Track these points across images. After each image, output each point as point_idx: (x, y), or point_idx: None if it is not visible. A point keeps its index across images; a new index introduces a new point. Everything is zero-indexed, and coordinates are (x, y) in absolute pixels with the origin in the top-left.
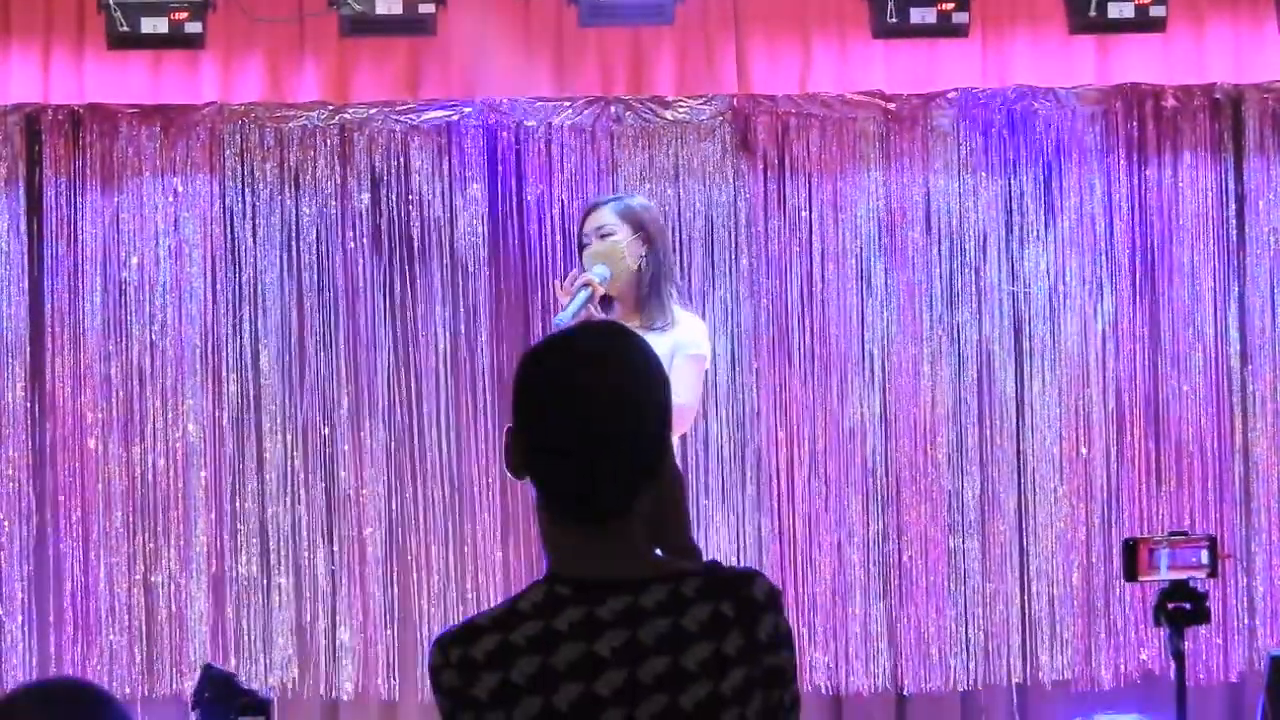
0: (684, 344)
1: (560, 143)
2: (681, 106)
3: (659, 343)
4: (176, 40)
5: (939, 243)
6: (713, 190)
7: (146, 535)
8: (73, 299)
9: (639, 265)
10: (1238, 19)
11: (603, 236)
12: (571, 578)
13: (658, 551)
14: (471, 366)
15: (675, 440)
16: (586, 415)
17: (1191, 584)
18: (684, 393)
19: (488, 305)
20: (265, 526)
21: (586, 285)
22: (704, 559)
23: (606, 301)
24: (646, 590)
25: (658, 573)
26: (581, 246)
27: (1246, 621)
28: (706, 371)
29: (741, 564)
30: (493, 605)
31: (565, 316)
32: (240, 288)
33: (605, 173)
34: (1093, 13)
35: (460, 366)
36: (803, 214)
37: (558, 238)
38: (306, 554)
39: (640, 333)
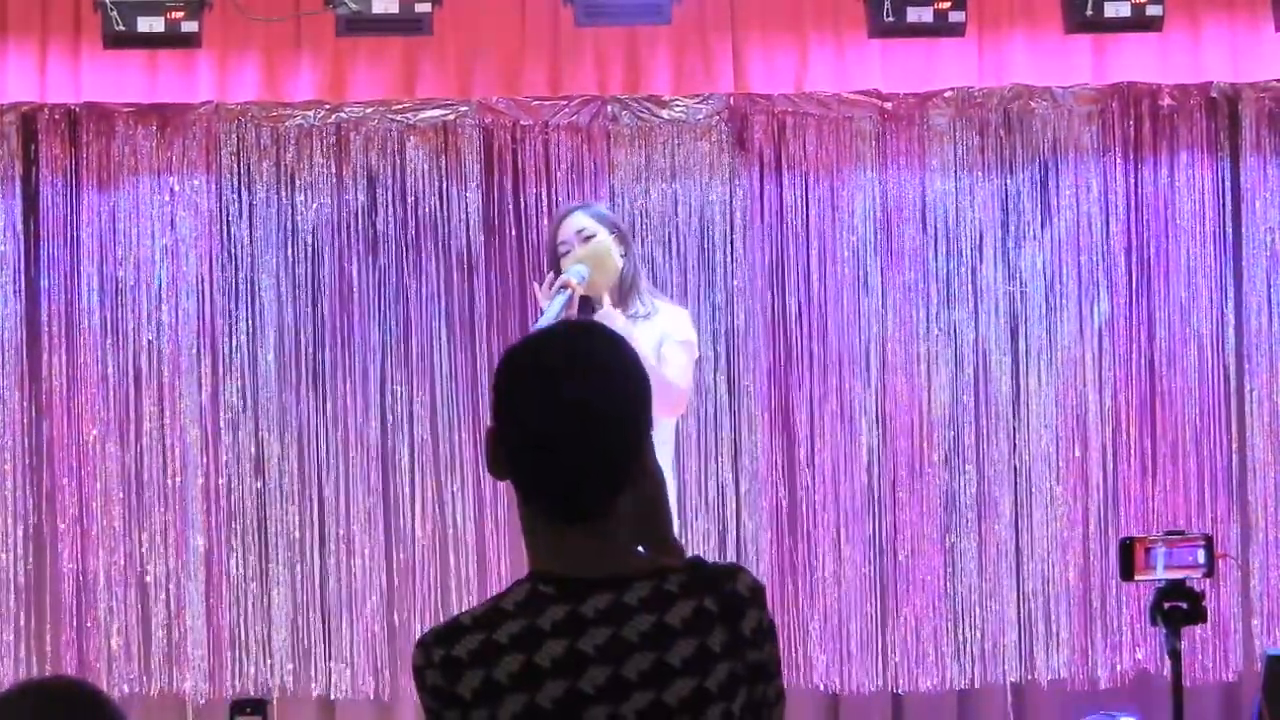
0: (671, 331)
1: (557, 142)
2: (678, 106)
3: (646, 330)
4: (172, 39)
5: (935, 242)
6: (709, 189)
7: (143, 534)
8: (69, 298)
9: (621, 263)
10: (1234, 18)
11: (586, 239)
12: (554, 576)
13: (640, 549)
14: (467, 366)
15: (671, 424)
16: (568, 413)
17: (1188, 583)
18: (678, 377)
19: (483, 304)
20: (262, 525)
21: (565, 287)
22: (687, 555)
23: (586, 303)
24: (630, 587)
25: (641, 569)
26: (557, 256)
27: (1243, 621)
28: (698, 362)
29: (736, 562)
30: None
31: (547, 320)
32: (237, 287)
33: (602, 172)
34: (1089, 12)
35: (456, 366)
36: (799, 213)
37: None
38: (302, 553)
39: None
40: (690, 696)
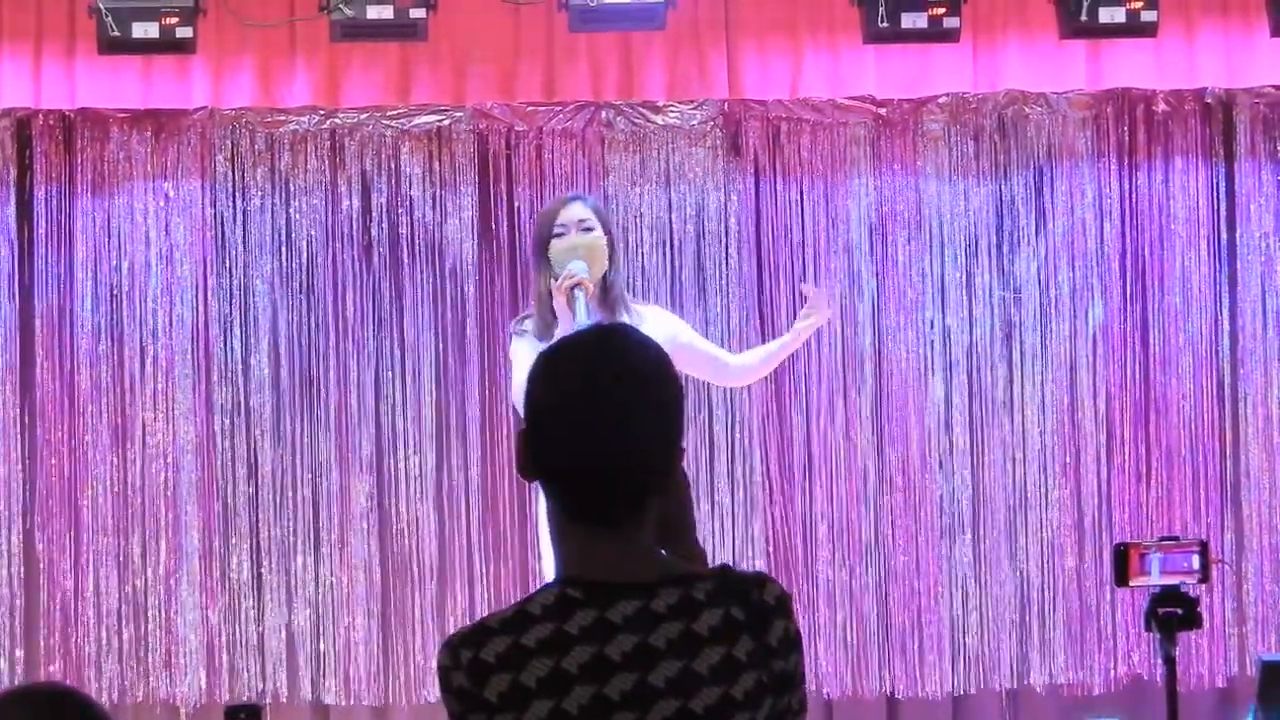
0: (675, 330)
1: (551, 147)
2: (672, 111)
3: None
4: (167, 45)
5: (930, 247)
6: (703, 195)
7: (136, 540)
8: (63, 304)
9: (608, 269)
10: (1228, 23)
11: (586, 230)
12: (583, 580)
13: (663, 552)
14: (460, 371)
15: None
16: (604, 420)
17: (1182, 589)
18: (722, 353)
19: (477, 310)
20: (255, 531)
21: (579, 286)
22: (707, 559)
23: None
24: (658, 594)
25: (669, 576)
26: (550, 237)
27: (1237, 626)
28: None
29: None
30: (481, 613)
31: (580, 323)
32: (231, 292)
33: (596, 177)
34: (1083, 17)
35: (449, 371)
36: (794, 219)
37: None
38: (295, 559)
39: None
40: (716, 705)
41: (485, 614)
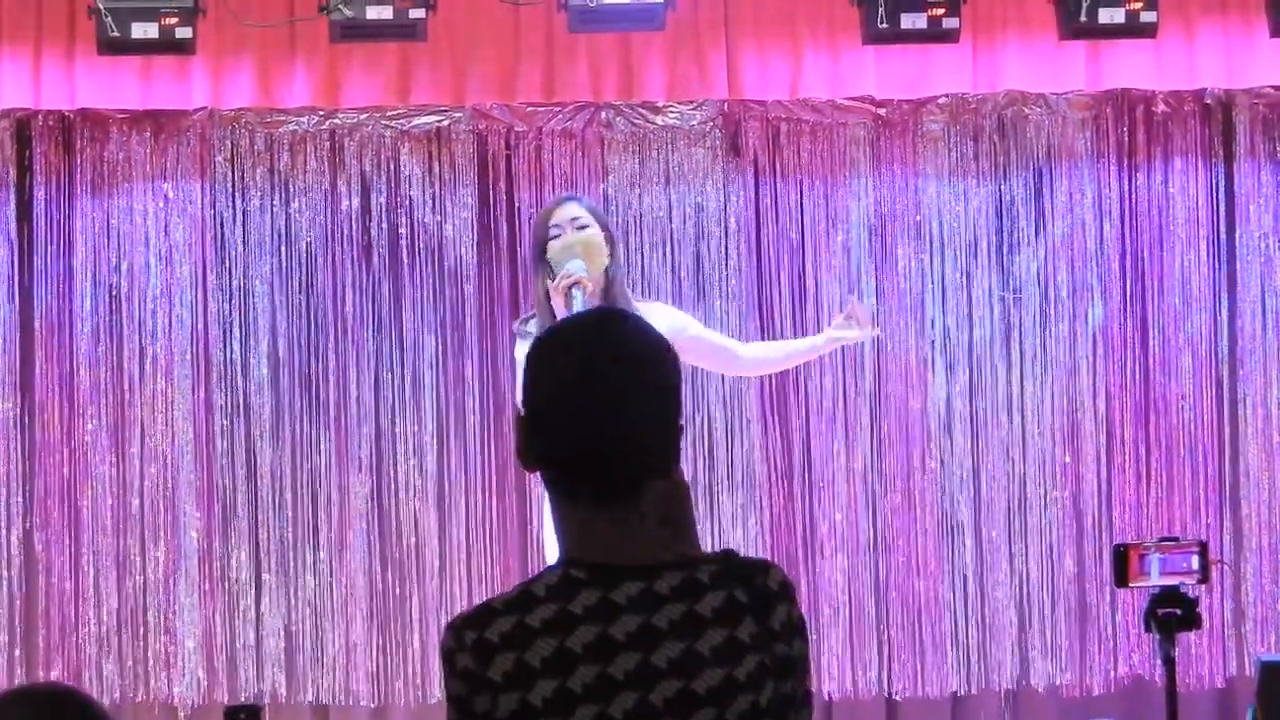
0: (681, 324)
1: (550, 148)
2: (672, 112)
3: None
4: (167, 45)
5: (930, 248)
6: (703, 195)
7: (135, 540)
8: (63, 305)
9: (608, 264)
10: (1228, 24)
11: (580, 228)
12: (586, 562)
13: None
14: (460, 372)
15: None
16: (602, 403)
17: (1182, 590)
18: (731, 343)
19: (477, 310)
20: (254, 532)
21: (577, 284)
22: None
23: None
24: (661, 575)
25: (672, 558)
26: (547, 239)
27: (1236, 627)
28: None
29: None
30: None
31: None
32: (230, 293)
33: (596, 178)
34: (1083, 18)
35: (449, 372)
36: (793, 219)
37: None
38: (295, 559)
39: None
40: (719, 686)
41: None
